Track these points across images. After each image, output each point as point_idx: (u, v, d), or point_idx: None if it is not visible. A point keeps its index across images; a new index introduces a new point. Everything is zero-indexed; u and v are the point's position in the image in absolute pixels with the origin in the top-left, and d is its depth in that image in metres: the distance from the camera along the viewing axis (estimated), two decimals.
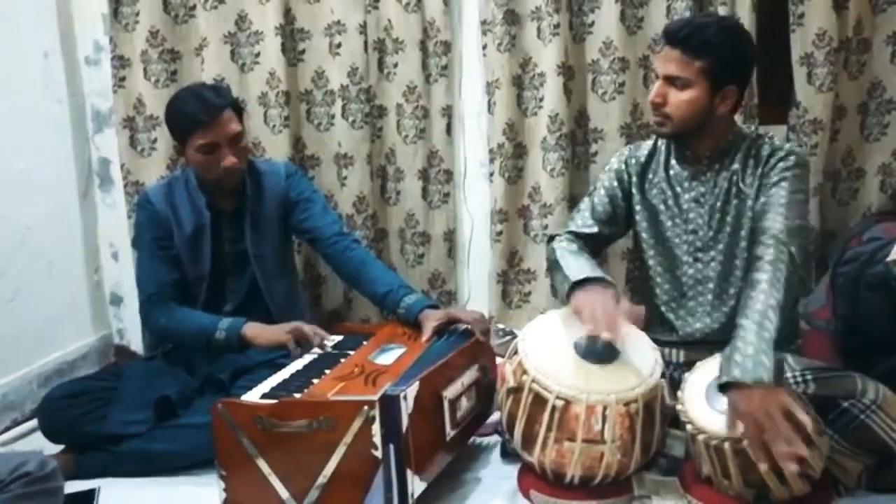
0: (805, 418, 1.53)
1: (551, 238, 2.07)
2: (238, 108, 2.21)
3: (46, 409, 2.12)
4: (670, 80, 1.87)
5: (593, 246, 2.05)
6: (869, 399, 1.66)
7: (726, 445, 1.59)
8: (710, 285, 1.97)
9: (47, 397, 2.14)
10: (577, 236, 2.02)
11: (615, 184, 2.04)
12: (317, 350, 2.11)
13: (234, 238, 2.27)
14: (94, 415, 2.07)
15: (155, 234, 2.24)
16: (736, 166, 1.93)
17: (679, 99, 1.86)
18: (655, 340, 1.92)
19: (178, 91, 2.32)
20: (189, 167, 2.26)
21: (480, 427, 2.04)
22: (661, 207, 2.01)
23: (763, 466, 1.54)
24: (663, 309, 2.03)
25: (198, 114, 2.10)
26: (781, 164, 1.87)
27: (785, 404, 1.54)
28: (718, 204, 1.94)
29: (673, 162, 2.02)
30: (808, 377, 1.72)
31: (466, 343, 1.98)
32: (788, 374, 1.74)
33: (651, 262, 2.03)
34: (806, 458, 1.52)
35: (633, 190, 2.04)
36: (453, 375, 1.85)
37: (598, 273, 1.86)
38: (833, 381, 1.71)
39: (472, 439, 2.04)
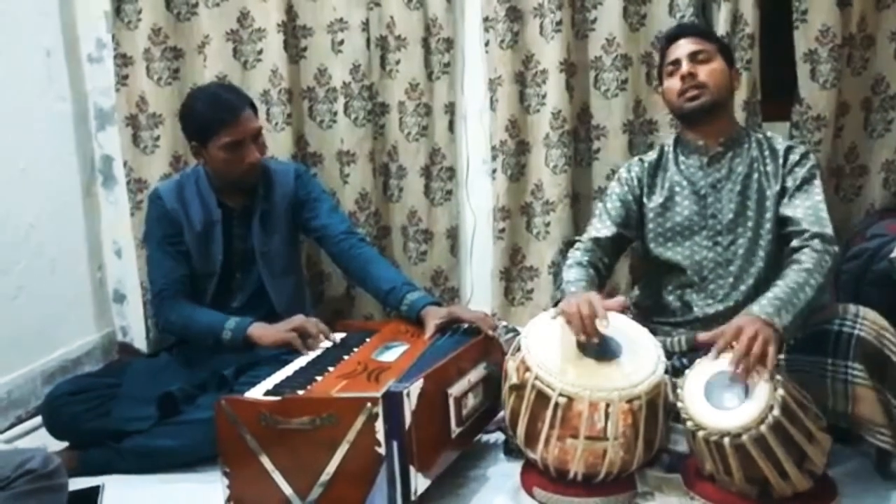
0: (773, 359, 1.60)
1: (572, 244, 2.14)
2: (254, 106, 2.25)
3: (50, 406, 2.13)
4: (694, 57, 1.98)
5: (614, 249, 2.11)
6: (852, 314, 1.75)
7: (726, 441, 1.59)
8: (731, 268, 1.99)
9: (51, 394, 2.15)
10: (597, 242, 2.07)
11: (626, 189, 2.10)
12: (323, 345, 2.11)
13: (243, 236, 2.29)
14: (97, 411, 2.08)
15: (165, 230, 2.25)
16: (754, 153, 2.00)
17: (708, 68, 1.98)
18: (661, 325, 1.96)
19: (194, 93, 2.32)
20: (202, 167, 2.28)
21: (489, 424, 2.04)
22: (678, 198, 2.04)
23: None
24: (681, 292, 2.04)
25: (222, 113, 2.13)
26: (807, 162, 1.97)
27: (770, 341, 1.61)
28: (738, 188, 1.99)
29: (682, 157, 2.07)
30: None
31: (472, 341, 1.98)
32: None
33: (668, 254, 2.05)
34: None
35: (645, 190, 2.09)
36: (459, 373, 1.86)
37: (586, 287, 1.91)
38: (816, 316, 1.78)
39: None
